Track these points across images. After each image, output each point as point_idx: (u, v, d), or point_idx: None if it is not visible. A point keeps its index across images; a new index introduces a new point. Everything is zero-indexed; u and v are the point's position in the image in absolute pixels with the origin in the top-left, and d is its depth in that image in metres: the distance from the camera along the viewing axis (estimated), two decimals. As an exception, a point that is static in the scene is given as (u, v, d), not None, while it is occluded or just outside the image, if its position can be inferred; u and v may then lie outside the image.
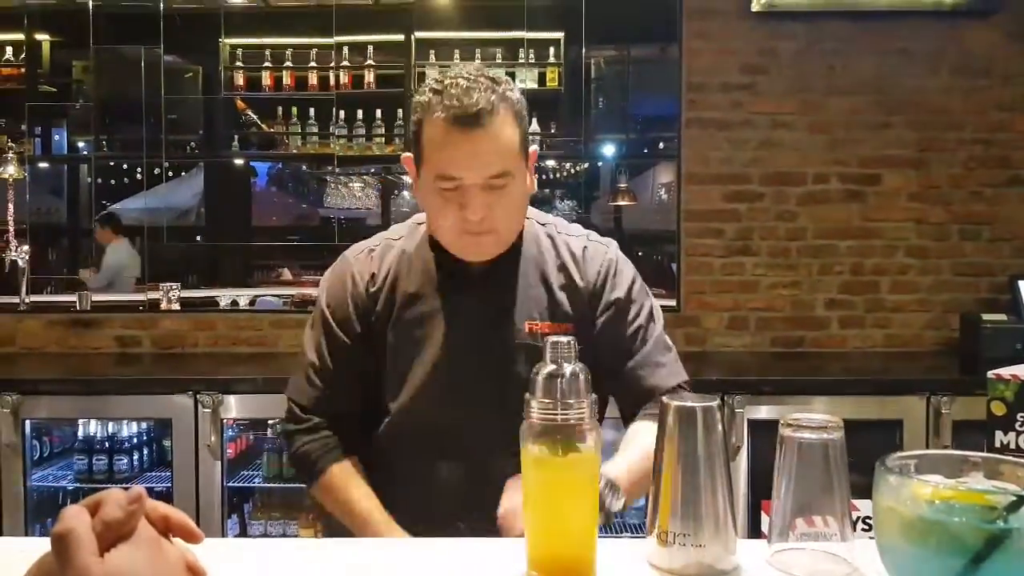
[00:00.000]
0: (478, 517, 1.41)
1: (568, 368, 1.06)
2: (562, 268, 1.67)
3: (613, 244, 1.74)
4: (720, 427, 1.10)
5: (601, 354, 1.61)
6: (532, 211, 1.73)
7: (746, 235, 3.96)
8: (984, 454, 0.77)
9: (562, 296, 1.65)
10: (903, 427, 3.21)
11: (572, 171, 4.29)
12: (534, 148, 1.62)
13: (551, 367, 1.06)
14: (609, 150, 4.25)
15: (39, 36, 4.21)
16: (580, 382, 1.06)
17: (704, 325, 3.98)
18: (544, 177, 4.34)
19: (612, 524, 1.61)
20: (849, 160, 3.95)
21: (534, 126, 4.09)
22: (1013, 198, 3.97)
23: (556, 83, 4.14)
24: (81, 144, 4.31)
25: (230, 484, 3.33)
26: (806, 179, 3.96)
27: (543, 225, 1.73)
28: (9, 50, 4.17)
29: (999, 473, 0.77)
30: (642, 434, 1.53)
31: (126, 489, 0.70)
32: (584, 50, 4.10)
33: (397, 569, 1.12)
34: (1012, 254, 3.97)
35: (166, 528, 0.72)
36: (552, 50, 4.14)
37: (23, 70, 4.19)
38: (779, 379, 3.38)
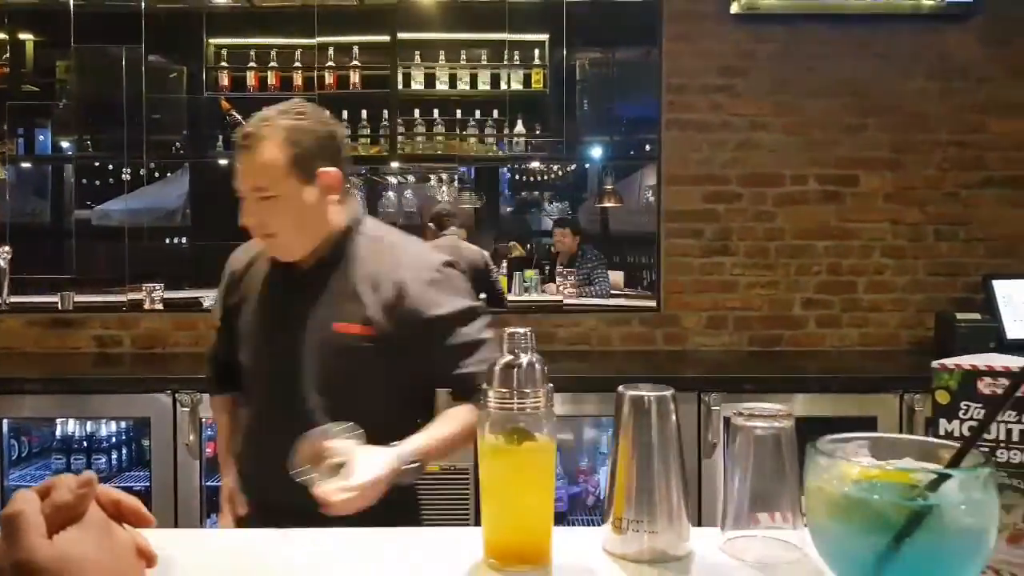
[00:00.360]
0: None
1: (525, 359, 1.08)
2: (377, 274, 1.84)
3: (441, 259, 1.90)
4: (674, 417, 1.12)
5: (407, 352, 1.83)
6: (371, 225, 1.95)
7: (725, 235, 4.01)
8: (917, 437, 0.80)
9: (370, 299, 1.82)
10: (877, 424, 3.26)
11: (558, 173, 4.31)
12: (328, 170, 1.83)
13: (508, 358, 1.08)
14: (594, 152, 4.28)
15: (22, 35, 4.20)
16: (536, 372, 1.08)
17: (683, 324, 4.02)
18: (530, 179, 4.37)
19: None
20: (826, 161, 4.00)
21: (519, 127, 4.12)
22: (988, 199, 4.02)
23: (541, 85, 4.17)
24: (65, 144, 4.30)
25: (208, 484, 3.34)
26: (784, 180, 4.01)
27: (374, 237, 1.92)
28: (-8, 48, 4.16)
29: (934, 456, 0.80)
30: (456, 417, 1.80)
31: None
32: (568, 52, 4.13)
33: (358, 557, 1.15)
34: (986, 254, 4.03)
35: (117, 512, 0.73)
36: (537, 52, 4.17)
37: (6, 70, 4.18)
38: (756, 377, 3.44)
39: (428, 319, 1.81)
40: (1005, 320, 3.77)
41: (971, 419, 1.06)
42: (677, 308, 4.01)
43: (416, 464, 1.66)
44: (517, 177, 4.41)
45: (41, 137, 4.29)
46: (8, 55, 4.17)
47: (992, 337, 3.71)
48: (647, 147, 4.14)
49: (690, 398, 3.22)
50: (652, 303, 4.01)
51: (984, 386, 1.06)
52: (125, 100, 4.11)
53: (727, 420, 3.24)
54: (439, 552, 1.16)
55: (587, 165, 4.31)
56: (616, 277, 4.24)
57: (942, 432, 1.08)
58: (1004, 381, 1.05)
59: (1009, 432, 1.05)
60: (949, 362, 1.08)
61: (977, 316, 3.78)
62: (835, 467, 0.73)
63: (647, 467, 1.11)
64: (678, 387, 3.33)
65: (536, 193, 4.39)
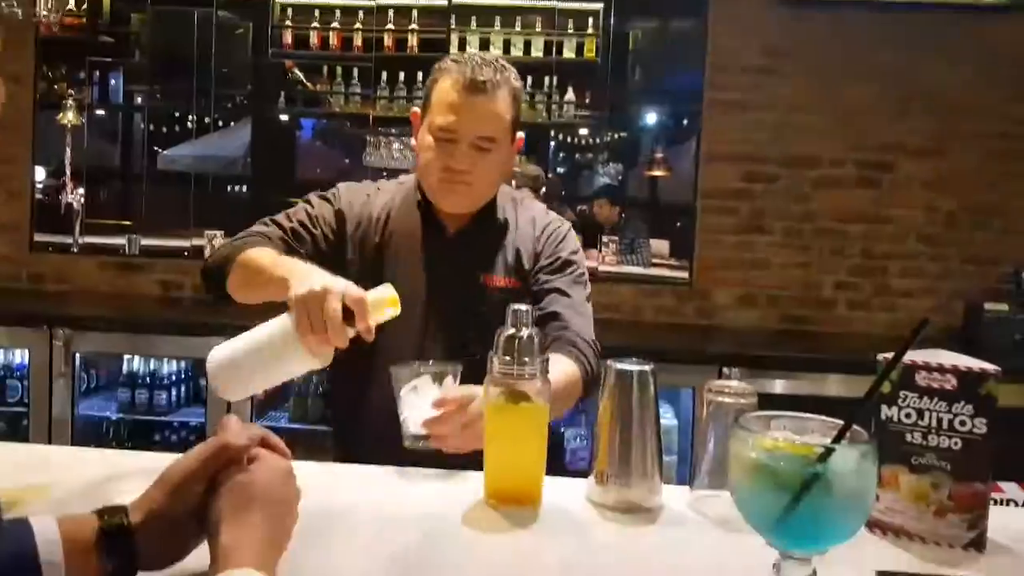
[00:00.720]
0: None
1: (525, 332, 1.27)
2: (517, 233, 1.93)
3: (567, 223, 2.01)
4: (652, 388, 1.31)
5: (537, 298, 1.86)
6: (505, 186, 1.99)
7: (760, 214, 4.11)
8: (833, 420, 0.96)
9: (511, 255, 1.91)
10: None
11: (607, 140, 4.40)
12: (521, 135, 1.89)
13: (511, 330, 1.27)
14: (645, 121, 4.37)
15: (100, -13, 4.41)
16: (535, 345, 1.27)
17: (714, 300, 4.15)
18: (580, 144, 4.47)
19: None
20: (865, 146, 4.07)
21: (569, 95, 4.24)
22: (1026, 191, 4.07)
23: (593, 54, 4.24)
24: (136, 93, 4.53)
25: (258, 422, 3.58)
26: (822, 163, 4.09)
27: (513, 199, 1.99)
28: (72, 1, 4.37)
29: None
30: (559, 362, 1.67)
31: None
32: (622, 21, 4.21)
33: (369, 494, 1.35)
34: (1021, 246, 4.06)
35: (265, 446, 1.03)
36: (591, 20, 4.24)
37: (83, 20, 4.40)
38: (778, 356, 3.54)
39: (556, 268, 1.90)
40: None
41: (908, 407, 1.23)
42: (709, 283, 4.14)
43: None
44: (567, 142, 4.50)
45: (113, 83, 4.52)
46: (87, 7, 4.37)
47: (1019, 329, 3.76)
48: (697, 119, 4.21)
49: (713, 371, 3.35)
50: (685, 274, 4.14)
51: (921, 379, 1.23)
52: (196, 55, 4.31)
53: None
54: (444, 493, 1.36)
55: (637, 134, 4.41)
56: (660, 245, 4.32)
57: (883, 417, 1.24)
58: (938, 375, 1.21)
59: (940, 420, 1.21)
60: (890, 355, 1.24)
61: (1005, 307, 3.83)
62: (753, 439, 0.90)
63: (627, 430, 1.30)
64: (703, 361, 3.50)
65: (587, 156, 4.49)
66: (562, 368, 1.65)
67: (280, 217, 1.88)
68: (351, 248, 1.88)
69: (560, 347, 1.74)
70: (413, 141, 1.88)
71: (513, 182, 4.17)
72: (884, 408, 1.24)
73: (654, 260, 4.27)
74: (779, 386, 3.41)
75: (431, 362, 1.48)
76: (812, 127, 4.07)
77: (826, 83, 4.06)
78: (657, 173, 4.33)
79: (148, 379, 3.83)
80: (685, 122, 4.31)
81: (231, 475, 0.94)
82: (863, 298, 4.13)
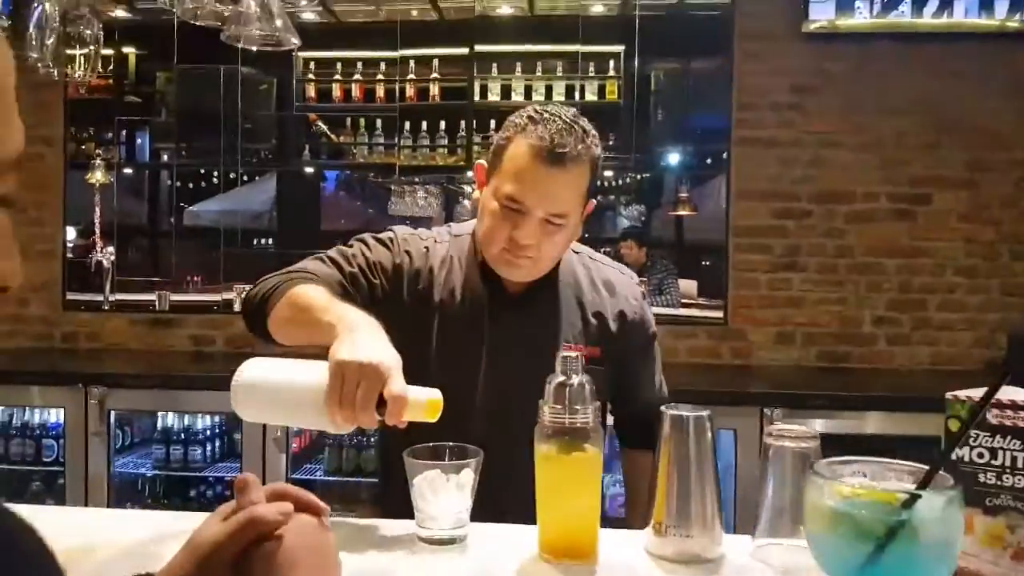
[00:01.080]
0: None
1: (576, 379, 1.22)
2: (595, 295, 1.78)
3: (636, 277, 1.89)
4: (709, 434, 1.26)
5: (621, 376, 1.77)
6: None
7: (794, 251, 4.06)
8: (908, 463, 0.91)
9: (594, 321, 1.75)
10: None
11: (633, 181, 4.39)
12: (593, 201, 1.71)
13: (561, 378, 1.23)
14: (668, 161, 4.35)
15: (126, 49, 4.47)
16: (586, 391, 1.22)
17: (750, 339, 4.09)
18: (604, 185, 4.46)
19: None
20: (899, 179, 4.03)
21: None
22: (1064, 219, 4.00)
23: (616, 95, 4.24)
24: (162, 151, 4.57)
25: (294, 476, 3.55)
26: (855, 197, 4.04)
27: (577, 254, 1.83)
28: (99, 63, 4.41)
29: (919, 479, 0.91)
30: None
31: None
32: (642, 64, 4.21)
33: (417, 549, 1.30)
34: (1063, 274, 4.00)
35: (299, 505, 0.94)
36: (612, 63, 4.25)
37: (111, 81, 4.46)
38: (819, 393, 3.46)
39: (649, 336, 1.82)
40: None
41: (980, 446, 1.17)
42: (744, 323, 4.09)
43: None
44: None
45: (140, 141, 4.57)
46: (113, 68, 4.44)
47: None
48: (724, 156, 4.18)
49: (753, 412, 3.29)
50: (719, 314, 4.09)
51: (992, 417, 1.17)
52: (223, 112, 4.35)
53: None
54: (499, 546, 1.30)
55: (661, 174, 4.39)
56: (689, 286, 4.29)
57: (954, 458, 1.18)
58: (1011, 412, 1.16)
59: (1014, 459, 1.15)
60: (961, 394, 1.19)
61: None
62: (828, 486, 0.85)
63: (685, 479, 1.24)
64: (742, 402, 3.44)
65: (610, 198, 4.47)
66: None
67: (337, 256, 1.71)
68: (407, 302, 1.71)
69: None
70: (476, 194, 1.73)
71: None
72: (955, 448, 1.18)
73: (683, 300, 4.24)
74: (820, 425, 3.32)
75: (451, 451, 1.35)
76: (843, 162, 4.03)
77: (856, 117, 4.03)
78: (682, 212, 4.31)
79: (182, 435, 3.81)
80: (710, 161, 4.29)
81: (262, 546, 0.88)
82: (903, 333, 4.05)
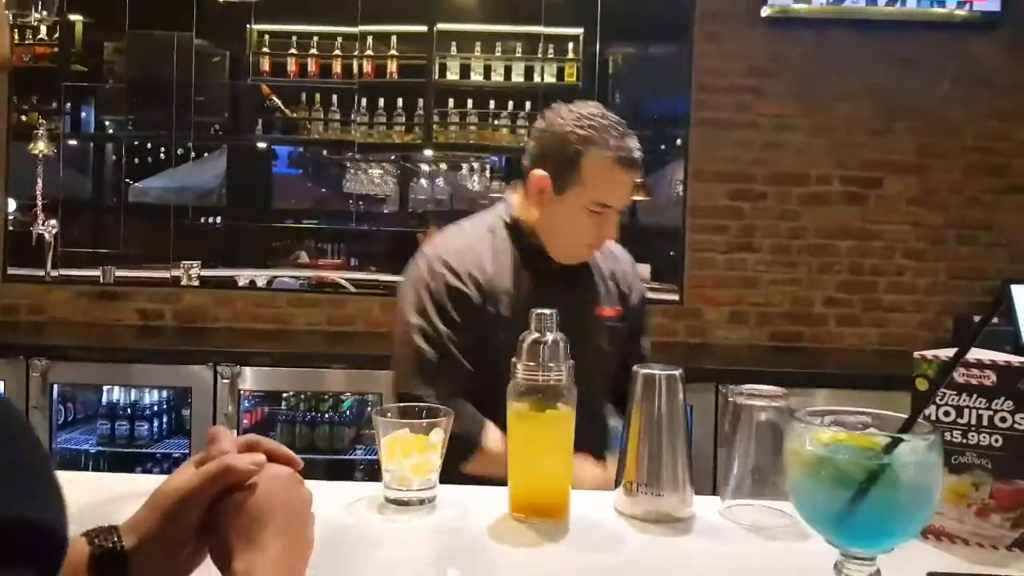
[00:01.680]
0: None
1: (550, 336, 1.21)
2: (609, 263, 2.05)
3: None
4: (681, 394, 1.26)
5: (630, 332, 2.04)
6: None
7: (749, 232, 4.11)
8: (883, 412, 0.92)
9: (612, 284, 2.03)
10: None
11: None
12: None
13: (535, 335, 1.22)
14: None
15: (73, 17, 4.34)
16: (560, 349, 1.22)
17: (705, 318, 4.12)
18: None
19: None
20: (851, 163, 4.09)
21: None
22: (1010, 205, 4.09)
23: (575, 78, 4.23)
24: (108, 123, 4.45)
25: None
26: (809, 180, 4.09)
27: None
28: (44, 29, 4.28)
29: (894, 428, 0.92)
30: None
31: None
32: (602, 47, 4.20)
33: (391, 510, 1.28)
34: (1007, 259, 4.09)
35: (274, 458, 0.92)
36: (571, 46, 4.24)
37: (56, 49, 4.33)
38: (774, 371, 3.50)
39: (644, 296, 2.13)
40: (1022, 325, 3.81)
41: (947, 404, 1.18)
42: (700, 302, 4.12)
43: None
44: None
45: (85, 115, 4.45)
46: (59, 35, 4.30)
47: (1008, 341, 3.75)
48: (677, 142, 4.21)
49: (708, 388, 3.32)
50: (675, 296, 4.11)
51: (959, 375, 1.18)
52: (175, 82, 4.24)
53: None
54: (471, 505, 1.29)
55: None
56: (643, 270, 4.30)
57: (921, 416, 1.20)
58: (977, 372, 1.17)
59: (980, 417, 1.17)
60: (928, 353, 1.20)
61: (995, 320, 3.82)
62: (809, 432, 0.85)
63: (656, 438, 1.24)
64: (697, 378, 3.45)
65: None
66: None
67: (445, 378, 1.79)
68: (488, 312, 1.85)
69: None
70: (513, 197, 1.98)
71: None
72: (932, 400, 1.19)
73: (640, 283, 4.24)
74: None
75: (420, 412, 1.34)
76: (798, 145, 4.08)
77: (810, 101, 4.08)
78: (637, 197, 4.32)
79: (128, 410, 3.72)
80: (663, 146, 4.31)
81: (232, 496, 0.86)
82: (853, 314, 4.12)
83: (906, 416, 0.90)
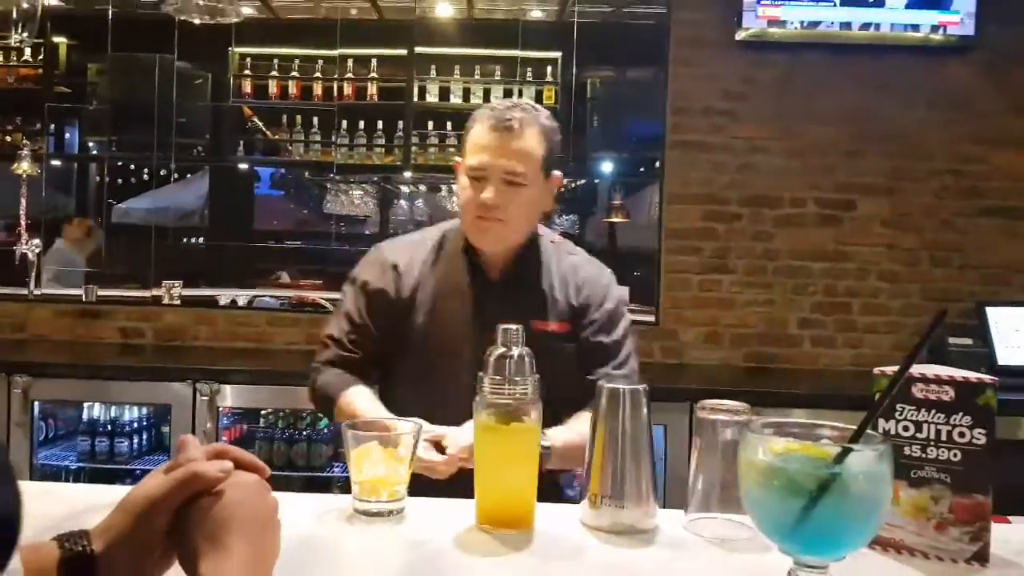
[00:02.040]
0: None
1: (516, 351, 1.24)
2: (563, 278, 2.01)
3: (607, 270, 2.10)
4: (645, 408, 1.29)
5: (583, 356, 1.97)
6: (546, 231, 2.10)
7: (723, 254, 4.15)
8: (838, 424, 0.95)
9: (562, 302, 1.99)
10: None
11: (568, 188, 4.43)
12: (558, 174, 1.98)
13: (501, 350, 1.25)
14: (603, 168, 4.40)
15: (56, 39, 4.37)
16: (525, 364, 1.25)
17: (681, 339, 4.15)
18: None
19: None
20: (825, 186, 4.14)
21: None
22: (982, 228, 4.14)
23: (553, 101, 4.26)
24: (92, 144, 4.47)
25: (223, 471, 3.49)
26: (783, 202, 4.14)
27: (553, 243, 2.08)
28: (28, 51, 4.31)
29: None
30: (584, 419, 1.73)
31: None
32: (579, 71, 4.25)
33: (358, 521, 1.30)
34: (980, 281, 4.14)
35: (241, 465, 0.95)
36: (549, 69, 4.29)
37: (40, 71, 4.36)
38: (748, 391, 3.51)
39: (608, 311, 2.00)
40: (996, 346, 3.85)
41: (906, 419, 1.22)
42: (675, 323, 4.15)
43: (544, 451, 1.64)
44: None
45: (68, 136, 4.47)
46: (43, 57, 4.33)
47: (983, 362, 3.79)
48: (656, 164, 4.24)
49: (683, 408, 3.33)
50: (651, 317, 4.15)
51: (918, 391, 1.22)
52: (157, 104, 4.27)
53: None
54: (439, 517, 1.31)
55: (596, 180, 4.44)
56: (621, 291, 4.32)
57: (880, 430, 1.23)
58: (935, 387, 1.21)
59: (938, 432, 1.20)
60: (888, 369, 1.23)
61: (969, 341, 3.87)
62: (762, 443, 0.88)
63: (619, 452, 1.27)
64: (673, 398, 3.47)
65: (547, 206, 4.50)
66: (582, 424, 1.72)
67: (345, 322, 2.00)
68: (406, 311, 1.97)
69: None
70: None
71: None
72: (881, 421, 1.22)
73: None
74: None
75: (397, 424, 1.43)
76: (772, 167, 4.13)
77: (785, 124, 4.13)
78: (616, 220, 4.36)
79: (109, 427, 3.73)
80: (643, 169, 4.35)
81: (200, 501, 0.88)
82: (827, 335, 4.16)
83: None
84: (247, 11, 4.22)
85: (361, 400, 1.88)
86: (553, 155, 1.92)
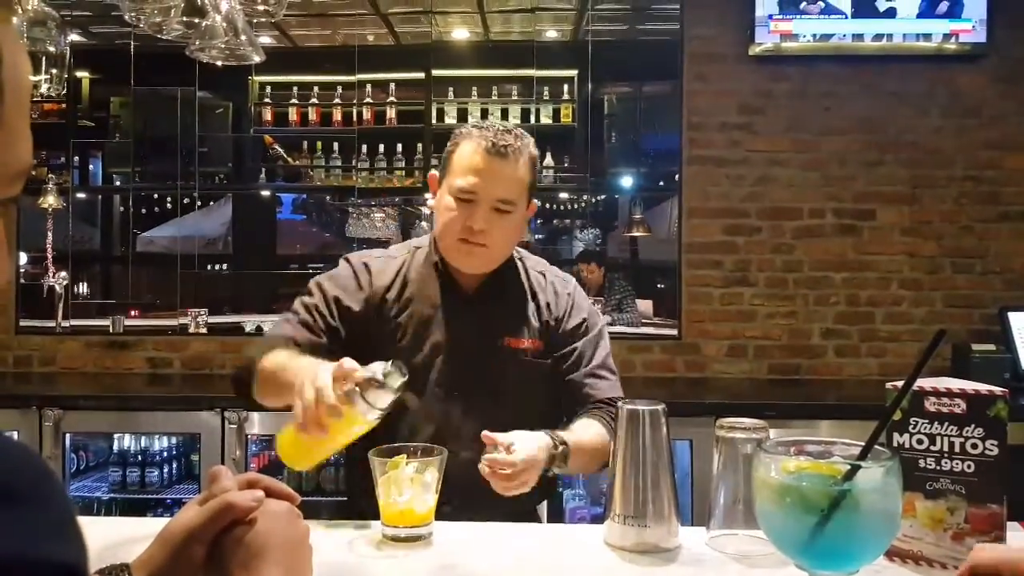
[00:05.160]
0: (461, 503, 1.56)
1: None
2: (534, 296, 1.98)
3: (572, 280, 2.07)
4: (664, 428, 1.31)
5: (557, 367, 1.94)
6: (521, 251, 2.06)
7: (744, 267, 4.16)
8: (850, 441, 0.97)
9: (536, 316, 1.96)
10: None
11: (587, 204, 4.46)
12: (536, 202, 1.97)
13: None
14: (623, 183, 4.42)
15: (79, 73, 4.46)
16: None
17: (704, 352, 4.16)
18: (560, 208, 4.51)
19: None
20: (843, 196, 4.15)
21: (548, 160, 4.29)
22: (1003, 233, 4.14)
23: (570, 119, 4.31)
24: (116, 175, 4.55)
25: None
26: (802, 214, 4.15)
27: (520, 259, 2.04)
28: (64, 78, 4.38)
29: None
30: (592, 426, 1.81)
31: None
32: (596, 88, 4.29)
33: (390, 547, 1.33)
34: (1002, 287, 4.13)
35: (271, 494, 0.97)
36: (566, 87, 4.33)
37: (63, 106, 4.44)
38: (773, 403, 3.53)
39: (581, 321, 1.97)
40: (1020, 352, 3.85)
41: (919, 433, 1.24)
42: (697, 336, 4.16)
43: (564, 447, 1.62)
44: (547, 207, 4.54)
45: (93, 168, 4.54)
46: (66, 92, 4.41)
47: (1007, 368, 3.79)
48: (675, 178, 4.25)
49: (708, 422, 3.33)
50: (674, 331, 4.16)
51: (931, 405, 1.23)
52: (179, 135, 4.34)
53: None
54: (467, 543, 1.34)
55: (616, 196, 4.47)
56: (645, 305, 4.36)
57: (895, 444, 1.25)
58: (947, 400, 1.22)
59: (952, 444, 1.22)
60: (901, 382, 1.25)
61: (992, 348, 3.86)
62: (775, 462, 0.91)
63: (641, 472, 1.30)
64: (697, 413, 3.50)
65: (566, 222, 4.53)
66: (594, 431, 1.76)
67: (300, 309, 1.89)
68: (370, 322, 1.89)
69: (588, 411, 1.85)
70: (430, 201, 1.94)
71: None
72: (895, 435, 1.24)
73: (642, 320, 4.29)
74: (774, 435, 3.39)
75: (415, 452, 1.43)
76: (790, 179, 4.15)
77: (801, 136, 4.15)
78: (637, 233, 4.38)
79: (139, 457, 3.79)
80: (662, 183, 4.37)
81: (233, 531, 0.92)
82: (851, 344, 4.16)
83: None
84: (266, 40, 4.30)
85: (280, 358, 1.71)
86: (534, 182, 1.92)
